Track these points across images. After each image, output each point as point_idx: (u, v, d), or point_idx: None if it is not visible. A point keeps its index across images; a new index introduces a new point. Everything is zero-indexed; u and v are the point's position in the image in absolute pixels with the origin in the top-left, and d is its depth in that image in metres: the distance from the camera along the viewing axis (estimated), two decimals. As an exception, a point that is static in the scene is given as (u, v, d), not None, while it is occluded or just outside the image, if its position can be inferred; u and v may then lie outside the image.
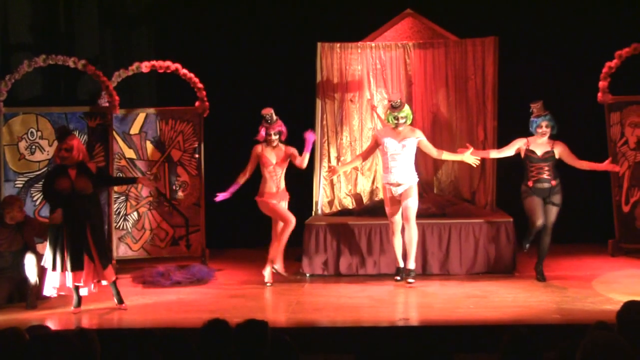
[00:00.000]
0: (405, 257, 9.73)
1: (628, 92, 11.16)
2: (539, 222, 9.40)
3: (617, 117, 11.26)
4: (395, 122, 9.69)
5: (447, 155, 9.97)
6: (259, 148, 9.78)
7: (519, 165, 11.58)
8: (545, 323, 7.78)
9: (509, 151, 9.82)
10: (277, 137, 9.75)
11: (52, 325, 7.81)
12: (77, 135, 9.65)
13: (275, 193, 9.78)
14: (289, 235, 9.76)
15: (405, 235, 9.65)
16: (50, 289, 8.65)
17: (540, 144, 9.59)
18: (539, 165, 9.56)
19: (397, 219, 9.72)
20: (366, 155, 10.31)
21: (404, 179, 9.63)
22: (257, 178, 9.83)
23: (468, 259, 10.24)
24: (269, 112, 9.65)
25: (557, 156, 9.55)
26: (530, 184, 9.55)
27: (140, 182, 9.67)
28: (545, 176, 9.53)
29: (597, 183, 11.21)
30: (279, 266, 9.77)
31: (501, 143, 11.00)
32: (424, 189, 11.13)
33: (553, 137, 9.60)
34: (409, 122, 9.79)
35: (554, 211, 9.52)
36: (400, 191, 9.62)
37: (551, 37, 11.90)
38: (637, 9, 11.70)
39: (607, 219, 11.18)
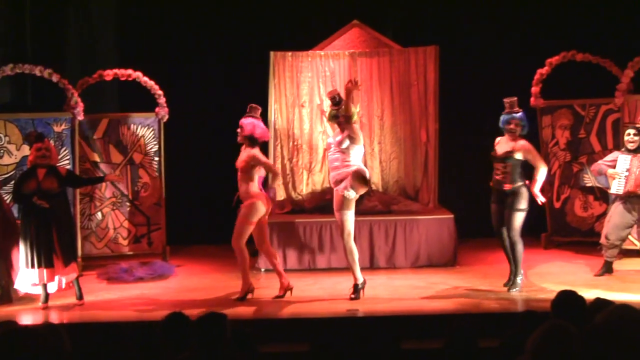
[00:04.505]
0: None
1: (558, 96, 11.27)
2: (496, 230, 8.89)
3: (549, 120, 11.39)
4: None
5: None
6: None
7: (459, 165, 11.73)
8: (485, 312, 7.85)
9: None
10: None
11: (20, 320, 7.70)
12: (44, 140, 9.52)
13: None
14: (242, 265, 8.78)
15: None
16: (27, 286, 8.56)
17: (505, 142, 8.73)
18: (496, 165, 8.71)
19: None
20: None
21: None
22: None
23: (413, 253, 10.30)
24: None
25: (520, 157, 8.62)
26: (490, 183, 8.85)
27: (108, 179, 9.60)
28: (499, 178, 8.73)
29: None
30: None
31: (442, 144, 11.10)
32: (371, 187, 11.15)
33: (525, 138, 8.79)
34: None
35: (510, 216, 8.64)
36: None
37: (487, 46, 11.97)
38: (564, 21, 11.84)
39: (540, 214, 11.28)
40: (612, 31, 11.52)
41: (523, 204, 8.65)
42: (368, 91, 11.24)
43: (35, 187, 8.45)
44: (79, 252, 10.50)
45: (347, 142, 8.49)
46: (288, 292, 8.80)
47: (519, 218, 8.65)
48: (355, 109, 8.75)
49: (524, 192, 8.65)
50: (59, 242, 8.49)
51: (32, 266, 8.45)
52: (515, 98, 8.90)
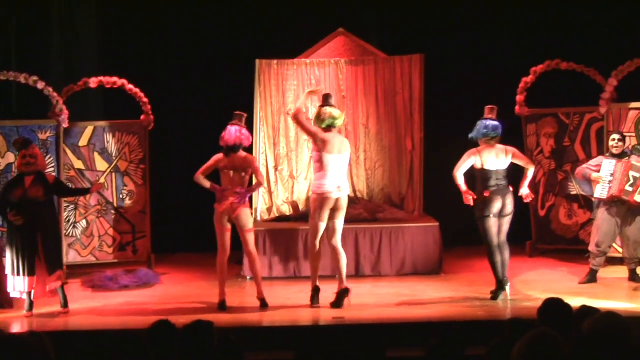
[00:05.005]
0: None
1: (542, 105, 11.31)
2: None
3: (533, 129, 11.42)
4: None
5: None
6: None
7: (444, 173, 11.72)
8: (471, 320, 7.85)
9: None
10: None
11: (4, 328, 7.63)
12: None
13: None
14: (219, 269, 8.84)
15: (341, 259, 8.70)
16: (16, 292, 8.52)
17: None
18: None
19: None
20: None
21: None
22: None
23: (398, 261, 10.29)
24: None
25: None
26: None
27: (94, 190, 9.51)
28: None
29: (515, 189, 11.35)
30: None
31: (428, 153, 11.10)
32: (356, 195, 11.16)
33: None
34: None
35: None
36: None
37: (472, 54, 12.01)
38: (549, 29, 11.88)
39: (525, 222, 11.30)
40: (597, 40, 11.56)
41: (478, 211, 8.72)
42: (353, 99, 11.25)
43: (21, 195, 8.39)
44: (64, 260, 10.43)
45: (313, 152, 8.65)
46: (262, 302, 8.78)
47: (480, 226, 8.73)
48: (329, 111, 8.76)
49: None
50: (44, 250, 8.44)
51: (18, 274, 8.41)
52: (490, 106, 8.98)
